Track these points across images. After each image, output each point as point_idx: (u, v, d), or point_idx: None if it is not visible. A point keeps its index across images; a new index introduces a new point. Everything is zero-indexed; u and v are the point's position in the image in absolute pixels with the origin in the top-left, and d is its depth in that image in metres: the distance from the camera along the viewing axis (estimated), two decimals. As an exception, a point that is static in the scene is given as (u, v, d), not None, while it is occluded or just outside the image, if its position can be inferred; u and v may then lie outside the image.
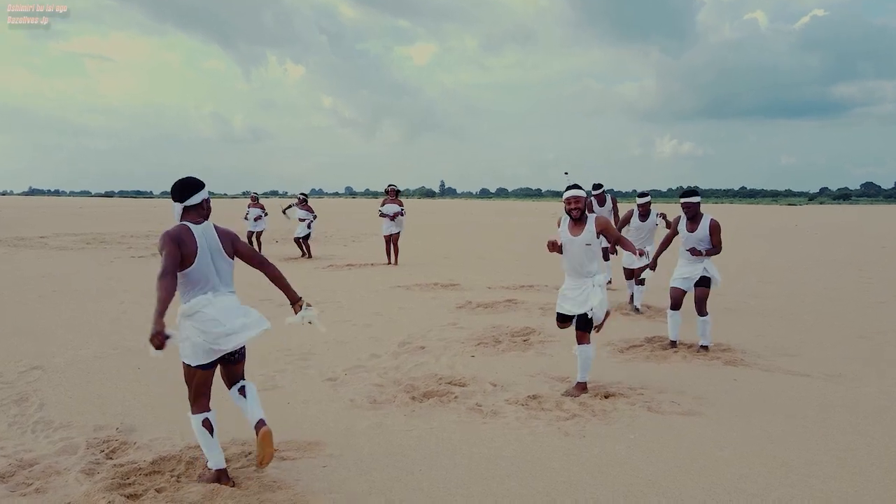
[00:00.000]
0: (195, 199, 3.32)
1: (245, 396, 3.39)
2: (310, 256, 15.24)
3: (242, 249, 3.42)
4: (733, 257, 15.08)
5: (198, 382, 3.26)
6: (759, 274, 12.66)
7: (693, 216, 6.12)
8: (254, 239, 16.16)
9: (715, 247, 6.05)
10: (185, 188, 3.33)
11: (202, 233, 3.30)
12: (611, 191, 9.81)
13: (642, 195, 8.22)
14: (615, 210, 9.54)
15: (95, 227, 26.32)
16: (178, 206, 3.34)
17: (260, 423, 3.32)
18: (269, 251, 16.71)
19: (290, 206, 15.89)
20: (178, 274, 3.16)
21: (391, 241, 13.61)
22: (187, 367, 3.24)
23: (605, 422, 4.29)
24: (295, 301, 3.50)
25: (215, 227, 3.36)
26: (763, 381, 5.29)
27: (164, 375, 5.21)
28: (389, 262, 13.65)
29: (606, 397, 4.77)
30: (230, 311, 3.17)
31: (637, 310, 8.06)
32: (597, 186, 9.60)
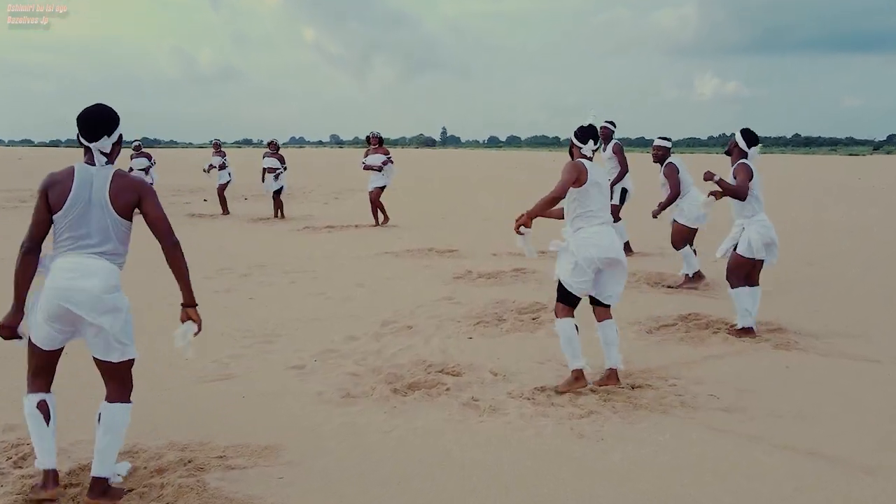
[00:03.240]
0: (104, 142, 3.10)
1: (99, 425, 3.13)
2: (282, 217, 15.06)
3: (150, 211, 3.18)
4: (782, 216, 14.83)
5: (37, 363, 3.15)
6: (813, 237, 12.49)
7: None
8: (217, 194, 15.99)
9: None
10: (90, 123, 3.10)
11: (88, 178, 3.08)
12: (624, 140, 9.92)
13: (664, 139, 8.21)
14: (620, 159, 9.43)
15: (35, 182, 26.09)
16: (104, 141, 3.13)
17: (96, 486, 3.08)
18: (236, 210, 16.54)
19: (270, 173, 15.57)
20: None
21: (373, 196, 13.42)
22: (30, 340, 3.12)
23: (628, 420, 4.16)
24: (188, 305, 3.26)
25: (116, 176, 3.12)
26: (821, 368, 5.16)
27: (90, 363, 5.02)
28: (377, 223, 13.50)
29: (633, 389, 4.65)
30: (75, 271, 2.96)
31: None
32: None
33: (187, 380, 4.83)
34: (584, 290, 4.58)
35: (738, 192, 5.78)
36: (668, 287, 7.88)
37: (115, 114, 3.19)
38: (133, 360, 3.20)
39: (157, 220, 3.23)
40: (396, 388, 4.64)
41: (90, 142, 3.12)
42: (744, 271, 5.86)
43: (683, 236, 7.81)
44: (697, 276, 7.87)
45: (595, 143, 4.62)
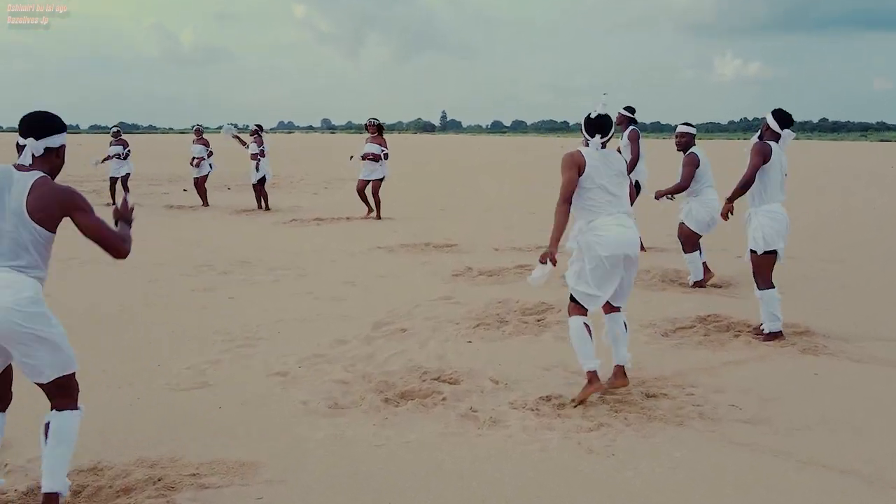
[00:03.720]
0: (31, 142, 3.05)
1: (46, 440, 3.07)
2: (267, 208, 14.99)
3: (84, 224, 3.06)
4: (807, 209, 14.77)
5: None
6: (842, 230, 12.39)
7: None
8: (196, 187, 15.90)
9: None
10: (26, 120, 3.09)
11: (7, 183, 3.00)
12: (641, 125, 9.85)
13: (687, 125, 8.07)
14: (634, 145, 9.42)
15: None
16: (31, 142, 3.06)
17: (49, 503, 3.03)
18: (218, 201, 16.46)
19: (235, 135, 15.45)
20: None
21: (373, 188, 13.37)
22: None
23: (642, 434, 4.08)
24: None
25: (38, 183, 3.01)
26: (853, 374, 5.09)
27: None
28: (370, 215, 13.45)
29: (647, 398, 4.58)
30: None
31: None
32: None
33: (158, 388, 4.75)
34: (593, 303, 4.47)
35: (745, 187, 5.75)
36: (695, 285, 7.79)
37: (57, 122, 3.14)
38: (72, 373, 3.10)
39: (95, 233, 3.09)
40: (388, 397, 4.57)
41: (23, 137, 3.07)
42: (768, 269, 5.77)
43: (692, 240, 7.68)
44: (699, 283, 7.76)
45: (604, 136, 4.49)
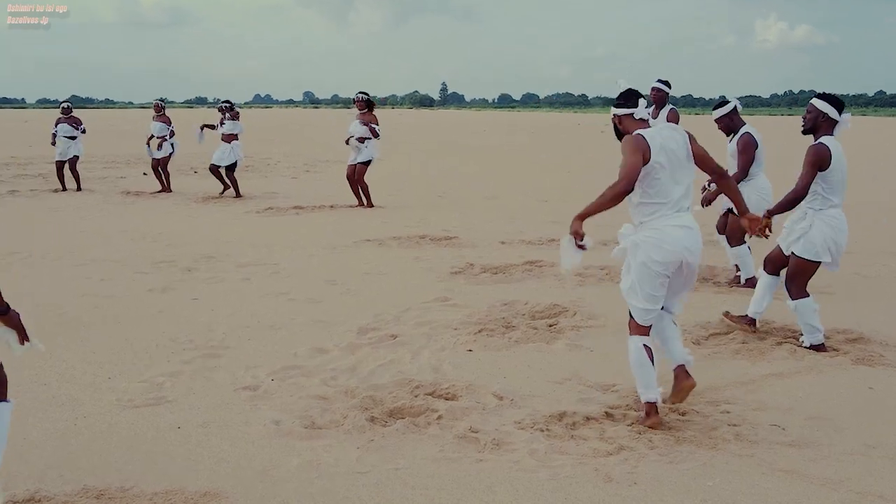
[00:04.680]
0: None
1: None
2: (237, 195, 15.02)
3: None
4: (863, 195, 14.74)
5: None
6: (904, 221, 12.35)
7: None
8: (160, 171, 15.90)
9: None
10: None
11: None
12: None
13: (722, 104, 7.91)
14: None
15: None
16: None
17: None
18: (183, 186, 16.45)
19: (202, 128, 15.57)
20: None
21: (357, 173, 13.40)
22: None
23: (668, 458, 4.07)
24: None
25: None
26: None
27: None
28: (361, 204, 13.55)
29: (677, 416, 4.59)
30: None
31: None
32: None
33: (108, 405, 4.73)
34: (645, 317, 4.43)
35: (795, 202, 5.69)
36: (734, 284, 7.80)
37: None
38: None
39: None
40: (374, 415, 4.57)
41: None
42: (808, 277, 5.75)
43: (739, 232, 7.62)
44: (751, 281, 7.74)
45: (647, 103, 4.45)
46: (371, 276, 8.28)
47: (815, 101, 5.74)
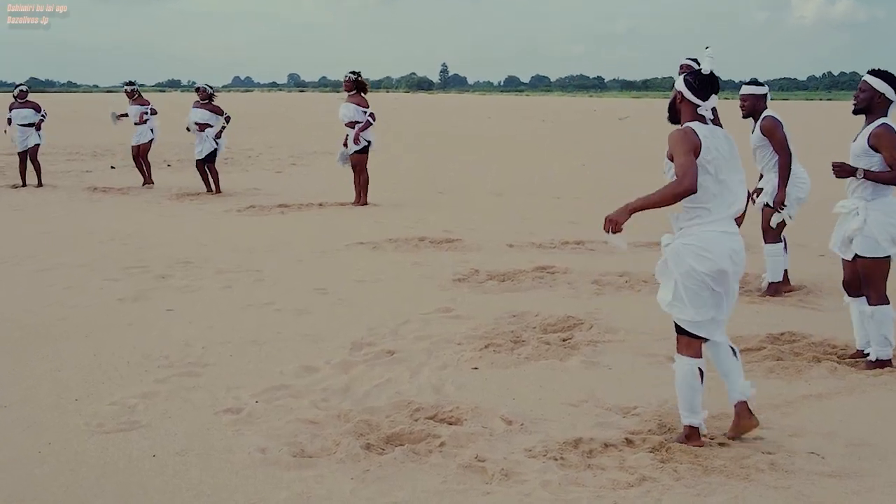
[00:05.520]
0: None
1: None
2: (217, 191, 15.06)
3: None
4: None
5: None
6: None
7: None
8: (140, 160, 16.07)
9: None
10: None
11: None
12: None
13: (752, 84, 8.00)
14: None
15: None
16: None
17: None
18: (162, 179, 16.48)
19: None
20: None
21: (354, 169, 13.46)
22: None
23: (695, 490, 4.06)
24: None
25: None
26: None
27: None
28: (358, 201, 13.62)
29: (706, 442, 4.55)
30: None
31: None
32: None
33: (75, 430, 4.74)
34: (704, 330, 4.46)
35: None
36: (765, 293, 7.82)
37: None
38: None
39: None
40: (370, 442, 4.57)
41: None
42: (883, 279, 5.73)
43: (777, 228, 7.65)
44: (773, 287, 7.76)
45: (717, 99, 4.47)
46: (365, 283, 8.31)
47: (870, 79, 5.74)
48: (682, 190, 4.23)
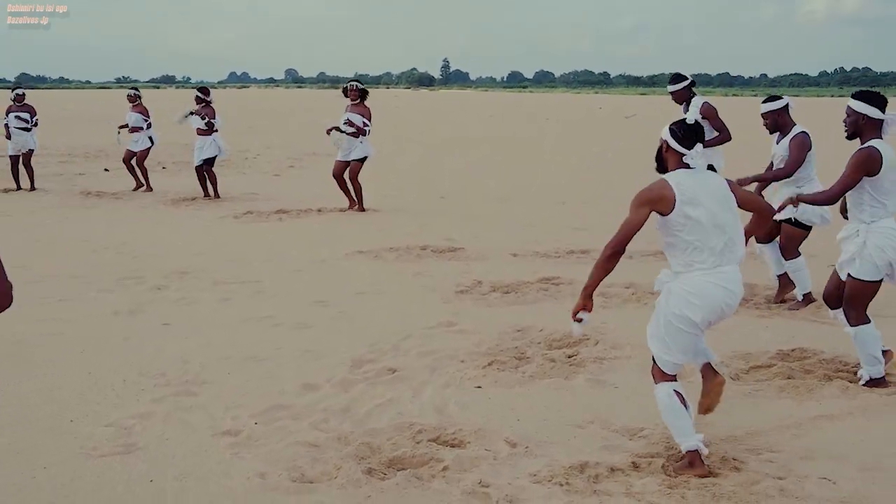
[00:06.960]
0: None
1: None
2: (215, 195, 15.05)
3: None
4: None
5: None
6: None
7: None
8: (135, 166, 16.12)
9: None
10: None
11: None
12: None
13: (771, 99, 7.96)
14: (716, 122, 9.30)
15: None
16: None
17: None
18: (157, 183, 16.47)
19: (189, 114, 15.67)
20: None
21: (351, 172, 13.45)
22: None
23: (704, 518, 4.07)
24: None
25: None
26: None
27: None
28: (352, 207, 13.61)
29: (714, 466, 4.55)
30: None
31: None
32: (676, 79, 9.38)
33: (71, 453, 4.75)
34: (670, 368, 4.57)
35: (828, 201, 5.93)
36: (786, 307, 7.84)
37: None
38: None
39: None
40: (371, 466, 4.57)
41: None
42: (866, 301, 5.79)
43: (796, 240, 7.65)
44: (808, 297, 7.78)
45: (702, 146, 4.54)
46: (366, 295, 8.31)
47: (852, 103, 5.83)
48: (609, 254, 4.47)
